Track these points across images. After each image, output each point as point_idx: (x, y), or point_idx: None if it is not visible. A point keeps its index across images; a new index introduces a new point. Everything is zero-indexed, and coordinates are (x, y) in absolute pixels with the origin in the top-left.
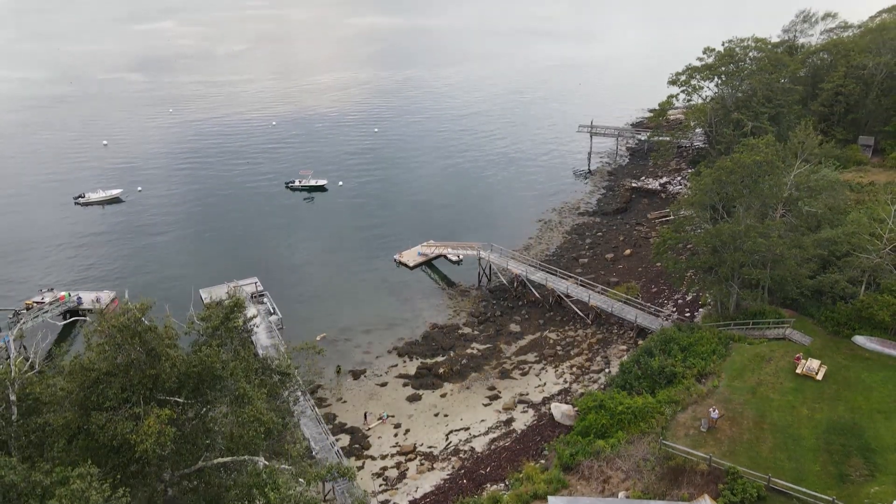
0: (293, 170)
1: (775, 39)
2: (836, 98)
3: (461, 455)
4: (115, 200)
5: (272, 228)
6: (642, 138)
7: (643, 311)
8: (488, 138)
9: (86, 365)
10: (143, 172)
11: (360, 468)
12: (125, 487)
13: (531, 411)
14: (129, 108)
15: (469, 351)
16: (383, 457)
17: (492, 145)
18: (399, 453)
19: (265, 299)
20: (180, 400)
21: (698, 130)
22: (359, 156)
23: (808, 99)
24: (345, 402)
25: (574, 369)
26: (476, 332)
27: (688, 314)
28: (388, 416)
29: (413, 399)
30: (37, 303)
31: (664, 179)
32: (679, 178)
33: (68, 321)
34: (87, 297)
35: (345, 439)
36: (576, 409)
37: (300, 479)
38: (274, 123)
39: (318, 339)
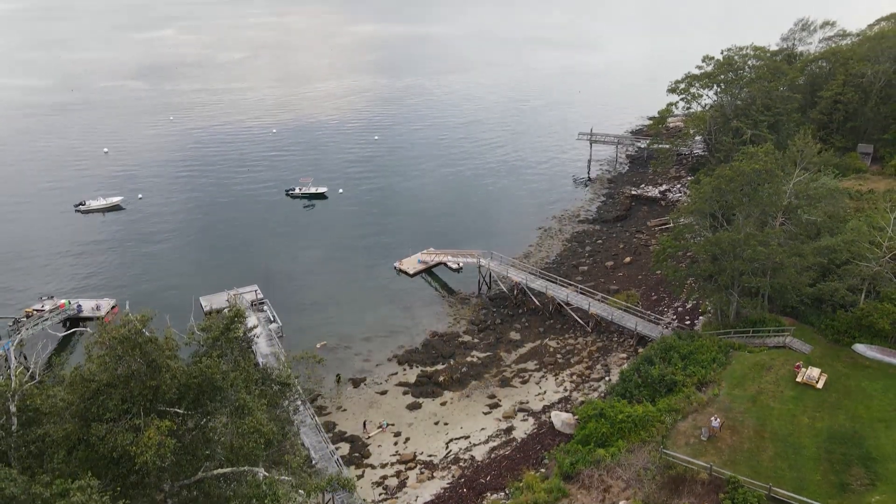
0: (293, 177)
1: (774, 48)
2: (834, 106)
3: (461, 464)
4: (116, 208)
5: (272, 236)
6: (642, 146)
7: (643, 319)
8: (488, 146)
9: (86, 376)
10: (143, 180)
11: (359, 477)
12: (125, 499)
13: (531, 419)
14: (129, 115)
15: (469, 359)
16: (383, 465)
17: (492, 153)
18: (399, 462)
19: (265, 307)
20: (180, 411)
21: (698, 138)
22: (359, 163)
23: (806, 107)
24: (345, 410)
25: (574, 377)
26: (476, 340)
27: (688, 322)
28: (387, 425)
29: (413, 407)
30: (37, 310)
31: (664, 187)
32: (679, 186)
33: (69, 332)
34: (87, 305)
35: (344, 448)
36: (576, 417)
37: (300, 491)
38: (274, 131)
39: (318, 346)
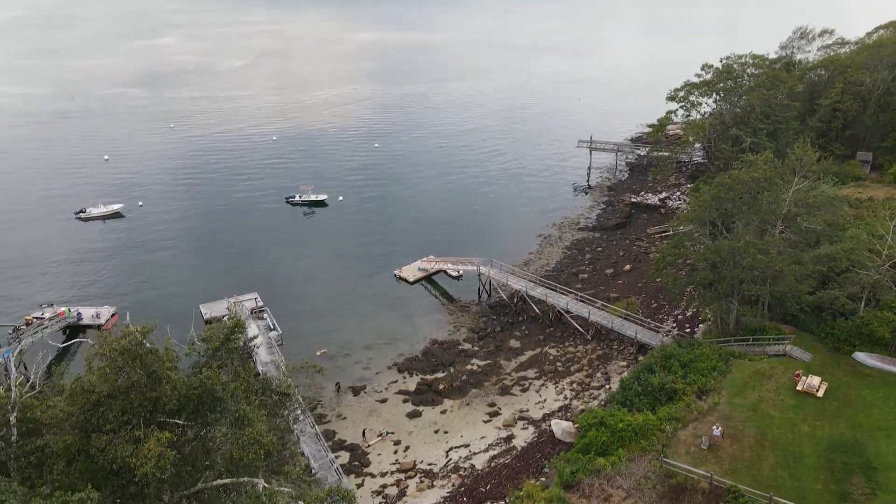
0: (293, 185)
1: (773, 56)
2: (833, 114)
3: (461, 472)
4: (116, 215)
5: (272, 244)
6: (641, 153)
7: (643, 326)
8: (488, 153)
9: (86, 387)
10: (144, 187)
11: (359, 486)
12: None
13: (531, 428)
14: (130, 123)
15: (469, 367)
16: (383, 474)
17: (491, 160)
18: (399, 470)
19: (265, 315)
20: (180, 422)
21: (697, 146)
22: (359, 171)
23: (805, 115)
24: (344, 418)
25: (574, 385)
26: (476, 348)
27: (688, 330)
28: (387, 433)
29: (413, 415)
30: (36, 318)
31: (663, 194)
32: (678, 194)
33: (69, 342)
34: (87, 313)
35: (344, 456)
36: (576, 426)
37: (299, 503)
38: (274, 138)
39: (317, 354)
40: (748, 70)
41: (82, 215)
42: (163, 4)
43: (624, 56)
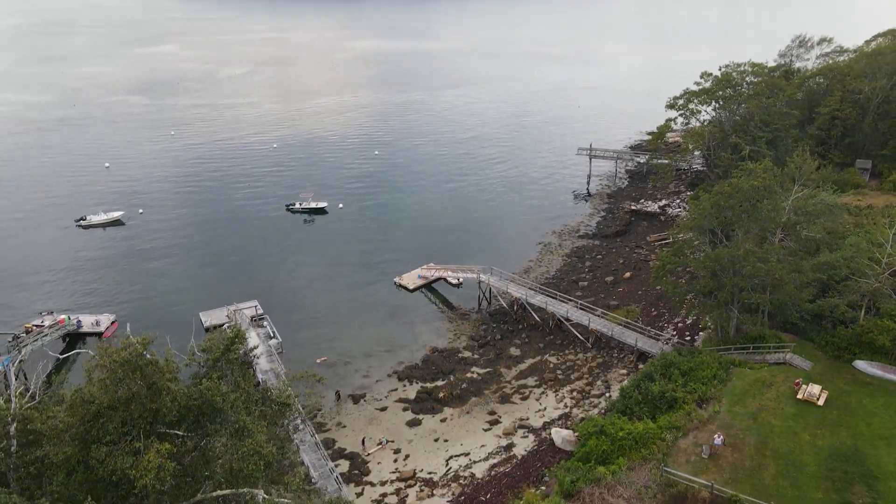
0: (294, 192)
1: (772, 64)
2: (832, 122)
3: (461, 481)
4: (117, 223)
5: (273, 251)
6: (641, 161)
7: (643, 334)
8: (488, 161)
9: (86, 398)
10: (144, 195)
11: (359, 495)
12: None
13: (531, 436)
14: (131, 130)
15: (469, 375)
16: (383, 483)
17: (491, 169)
18: (399, 479)
19: (265, 323)
20: (180, 433)
21: (696, 153)
22: (359, 178)
23: (804, 123)
24: (344, 426)
25: (574, 394)
26: (476, 356)
27: (688, 338)
28: (387, 442)
29: (413, 424)
30: (36, 326)
31: (663, 202)
32: (678, 201)
33: (70, 352)
34: (87, 321)
35: (344, 465)
36: (576, 434)
37: None
38: (275, 146)
39: (317, 361)
40: (747, 78)
41: (83, 223)
42: (164, 12)
43: (623, 64)
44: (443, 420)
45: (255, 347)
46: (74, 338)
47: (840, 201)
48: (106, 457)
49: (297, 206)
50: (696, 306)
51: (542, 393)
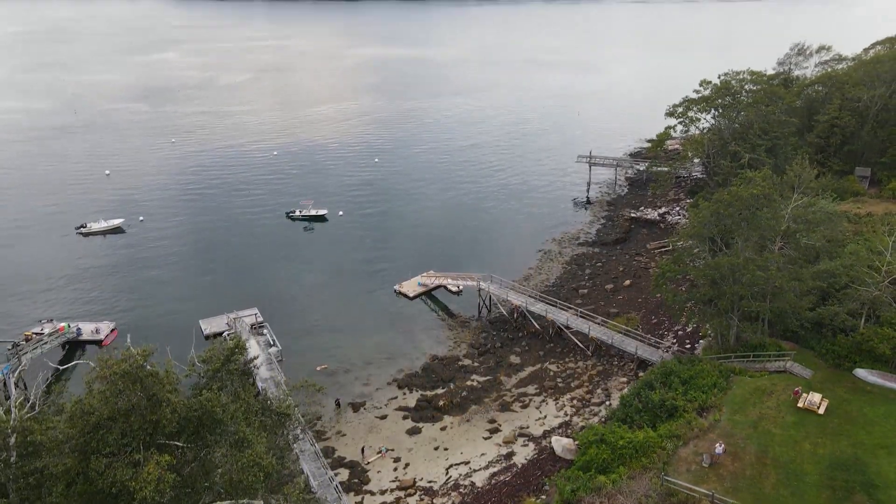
0: (294, 200)
1: (770, 72)
2: (831, 130)
3: (461, 490)
4: (117, 230)
5: (273, 259)
6: (641, 168)
7: (643, 342)
8: (488, 169)
9: (86, 409)
10: (144, 202)
11: None
12: None
13: (531, 445)
14: (131, 138)
15: (469, 383)
16: (382, 492)
17: (491, 176)
18: (398, 488)
19: (265, 330)
20: (180, 444)
21: (696, 161)
22: (359, 186)
23: (804, 130)
24: (344, 435)
25: (575, 402)
26: (476, 364)
27: (688, 345)
28: (387, 450)
29: (413, 432)
30: (36, 334)
31: (663, 209)
32: (678, 209)
33: (70, 362)
34: (87, 328)
35: (344, 474)
36: (576, 442)
37: None
38: (275, 153)
39: (317, 369)
40: (746, 86)
41: (83, 230)
42: (165, 20)
43: (623, 71)
44: (443, 428)
45: (256, 357)
46: (74, 345)
47: (839, 209)
48: (106, 468)
49: (298, 213)
50: (696, 314)
51: (543, 401)
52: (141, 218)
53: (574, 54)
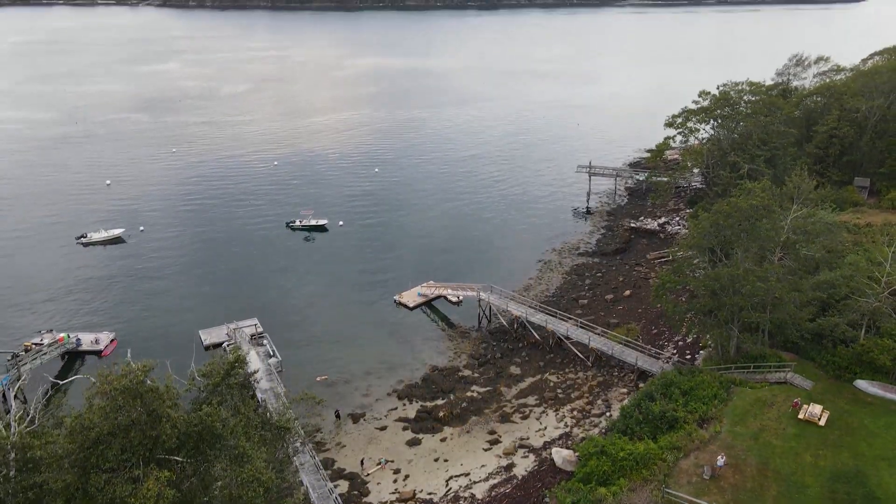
0: (294, 210)
1: (769, 82)
2: (830, 140)
3: (461, 502)
4: (117, 240)
5: (273, 269)
6: (640, 178)
7: (643, 353)
8: (488, 179)
9: (86, 425)
10: (145, 212)
11: None
12: None
13: (532, 456)
14: (132, 147)
15: (469, 394)
16: None
17: (492, 186)
18: (398, 500)
19: (265, 341)
20: (179, 459)
21: (695, 171)
22: (360, 196)
23: (802, 141)
24: (344, 446)
25: (575, 413)
26: (476, 375)
27: (688, 356)
28: (386, 462)
29: (413, 443)
30: (35, 344)
31: (663, 220)
32: (677, 219)
33: (70, 379)
34: (87, 339)
35: (343, 485)
36: (577, 454)
37: None
38: (276, 163)
39: (317, 380)
40: (745, 97)
41: (83, 240)
42: (166, 31)
43: (622, 81)
44: (443, 439)
45: (256, 371)
46: (74, 356)
47: (839, 220)
48: (105, 484)
49: (298, 223)
50: (696, 325)
51: (543, 412)
52: (141, 228)
53: (573, 64)
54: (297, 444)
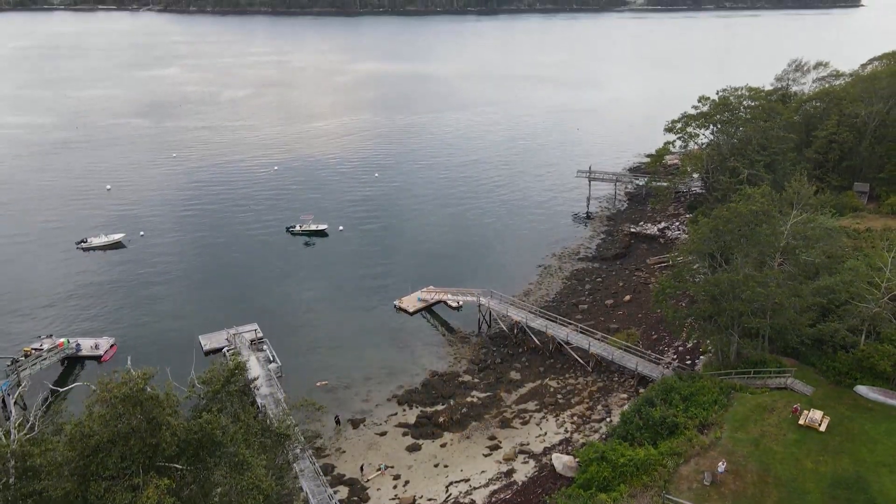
0: (294, 215)
1: (769, 87)
2: (829, 146)
3: None
4: (118, 245)
5: (273, 274)
6: (640, 183)
7: (644, 358)
8: (488, 184)
9: (86, 432)
10: (145, 217)
11: None
12: None
13: (532, 462)
14: (133, 152)
15: (469, 399)
16: None
17: (492, 191)
18: None
19: (265, 346)
20: (179, 466)
21: (695, 176)
22: (360, 201)
23: (802, 146)
24: (344, 452)
25: (575, 418)
26: (476, 380)
27: (689, 361)
28: (386, 468)
29: (413, 449)
30: (35, 349)
31: (662, 224)
32: (677, 224)
33: (70, 387)
34: (86, 344)
35: (343, 491)
36: (577, 460)
37: None
38: (276, 168)
39: (317, 385)
40: (744, 102)
41: (83, 245)
42: (167, 36)
43: (622, 87)
44: (443, 445)
45: (256, 378)
46: (73, 361)
47: (838, 225)
48: (105, 492)
49: (298, 228)
50: (697, 330)
51: (543, 417)
52: (142, 233)
53: (573, 69)
54: (297, 451)
